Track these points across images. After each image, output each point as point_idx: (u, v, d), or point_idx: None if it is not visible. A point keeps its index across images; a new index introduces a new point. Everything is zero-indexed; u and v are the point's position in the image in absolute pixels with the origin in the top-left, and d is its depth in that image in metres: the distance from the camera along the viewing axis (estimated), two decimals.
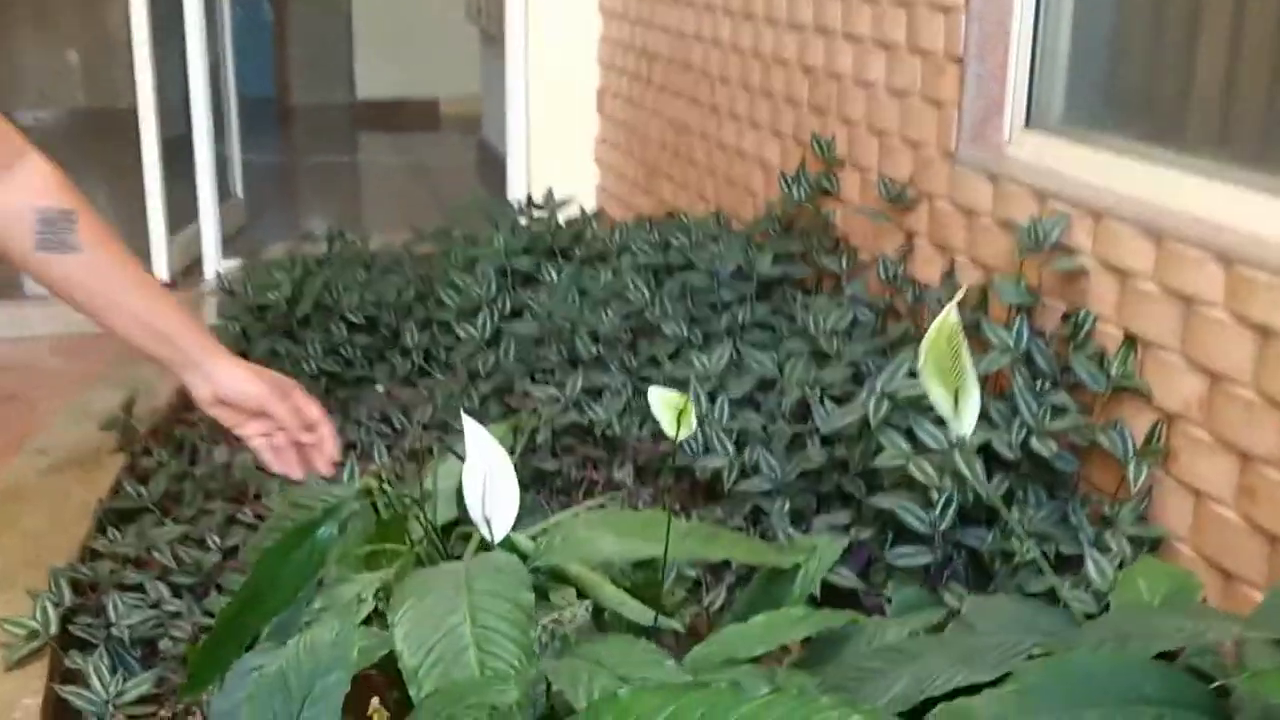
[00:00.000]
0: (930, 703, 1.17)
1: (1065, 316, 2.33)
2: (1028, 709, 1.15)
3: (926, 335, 1.27)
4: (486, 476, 1.68)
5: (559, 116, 5.03)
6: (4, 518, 2.42)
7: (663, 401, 1.33)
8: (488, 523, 1.66)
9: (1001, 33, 2.60)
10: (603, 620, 1.77)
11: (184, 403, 3.14)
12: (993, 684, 1.18)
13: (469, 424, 1.71)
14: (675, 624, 1.84)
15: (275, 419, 1.65)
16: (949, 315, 1.28)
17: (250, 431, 1.67)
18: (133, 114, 4.78)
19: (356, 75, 8.58)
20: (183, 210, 4.87)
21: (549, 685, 1.40)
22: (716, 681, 1.14)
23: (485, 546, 1.76)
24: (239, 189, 5.54)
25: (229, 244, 5.01)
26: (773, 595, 1.74)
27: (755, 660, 1.54)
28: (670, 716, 1.15)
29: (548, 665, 1.36)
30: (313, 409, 1.70)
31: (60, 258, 1.52)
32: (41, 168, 1.54)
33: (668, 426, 1.33)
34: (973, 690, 1.18)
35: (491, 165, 6.41)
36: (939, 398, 1.29)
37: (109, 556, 2.35)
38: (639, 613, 1.79)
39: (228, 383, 1.61)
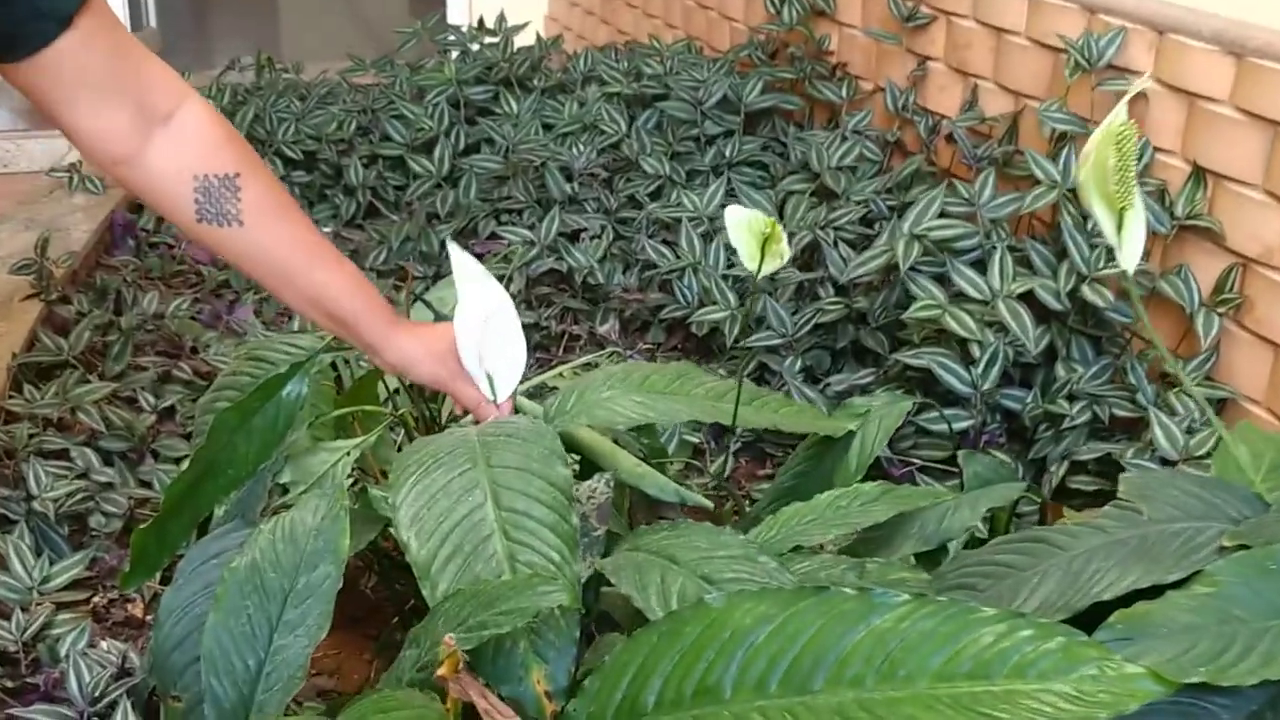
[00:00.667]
0: (1099, 609, 0.92)
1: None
2: (1228, 615, 0.90)
3: (1091, 140, 1.00)
4: (487, 319, 1.39)
5: None
6: None
7: (744, 224, 1.04)
8: (490, 379, 1.38)
9: None
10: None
11: (105, 244, 2.80)
12: (1175, 585, 0.93)
13: (459, 257, 1.41)
14: (701, 499, 1.59)
15: (462, 404, 1.36)
16: (1118, 116, 1.00)
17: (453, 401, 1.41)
18: None
19: None
20: None
21: (598, 586, 1.13)
22: (836, 587, 0.88)
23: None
24: (153, 19, 5.09)
25: None
26: (825, 468, 1.49)
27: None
28: (778, 630, 0.89)
29: (604, 561, 1.10)
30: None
31: (225, 231, 1.26)
32: (202, 120, 1.25)
33: (748, 257, 1.05)
34: (1151, 594, 0.93)
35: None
36: (1102, 217, 1.02)
37: (26, 418, 2.03)
38: (660, 487, 1.53)
39: (411, 373, 1.38)
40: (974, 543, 1.47)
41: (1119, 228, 1.02)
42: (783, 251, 1.03)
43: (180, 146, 1.25)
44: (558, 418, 1.39)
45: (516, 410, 1.39)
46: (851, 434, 1.49)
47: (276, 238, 1.31)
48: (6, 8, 1.12)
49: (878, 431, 1.46)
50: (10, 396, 2.10)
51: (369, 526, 1.35)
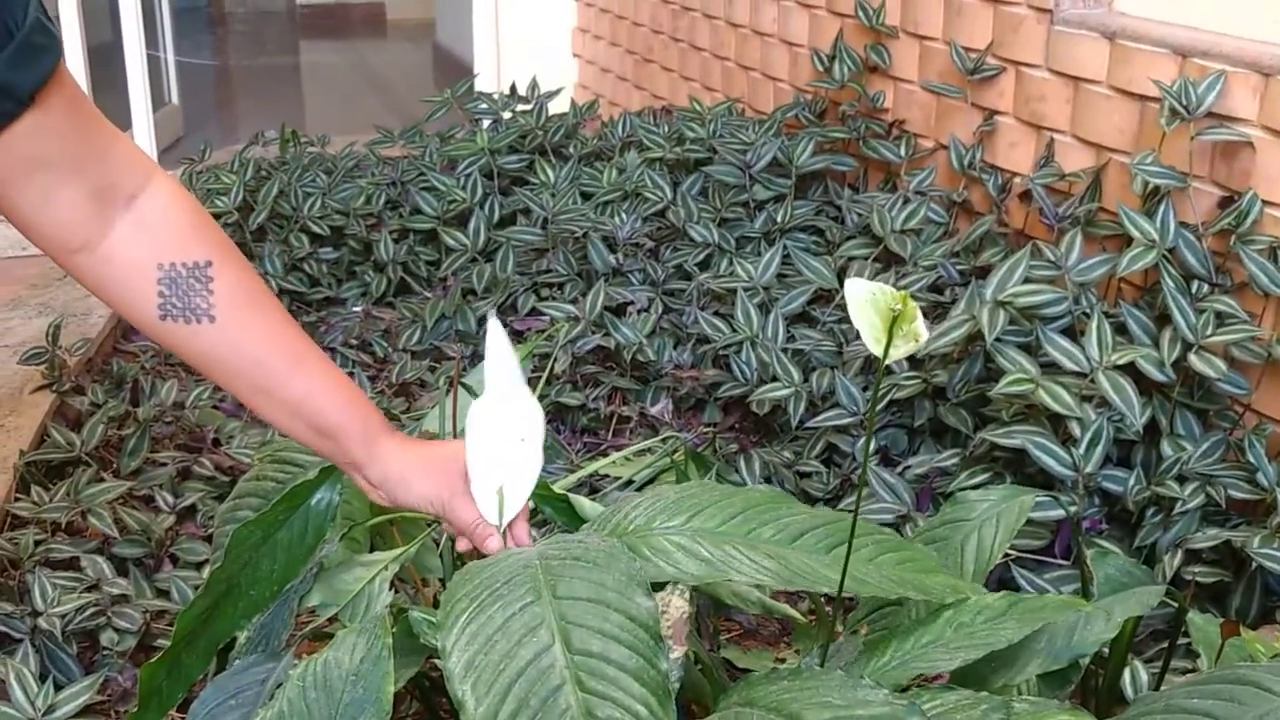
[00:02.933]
0: None
1: (1223, 202, 1.88)
2: None
3: None
4: (523, 439, 1.18)
5: (529, 8, 4.51)
6: None
7: (869, 301, 0.86)
8: (499, 493, 1.16)
9: None
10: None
11: (122, 330, 2.65)
12: None
13: (494, 333, 1.21)
14: (789, 610, 1.40)
15: (457, 528, 1.16)
16: None
17: (446, 528, 1.19)
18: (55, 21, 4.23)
19: None
20: (114, 120, 4.32)
21: None
22: None
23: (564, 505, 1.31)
24: (175, 96, 4.98)
25: (166, 155, 4.48)
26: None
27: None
28: None
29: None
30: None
31: (192, 329, 1.08)
32: (169, 203, 1.08)
33: (874, 340, 0.86)
34: None
35: (449, 69, 5.89)
36: None
37: (34, 523, 1.87)
38: (740, 594, 1.35)
39: (399, 491, 1.16)
40: (1097, 657, 1.28)
41: None
42: (917, 332, 0.85)
43: (144, 232, 1.07)
44: (623, 536, 1.19)
45: (545, 519, 1.21)
46: (967, 534, 1.30)
47: (252, 335, 1.11)
48: None
49: (998, 532, 1.27)
50: (17, 498, 1.93)
51: (411, 659, 1.16)
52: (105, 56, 4.40)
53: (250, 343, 1.11)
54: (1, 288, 3.27)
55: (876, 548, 1.18)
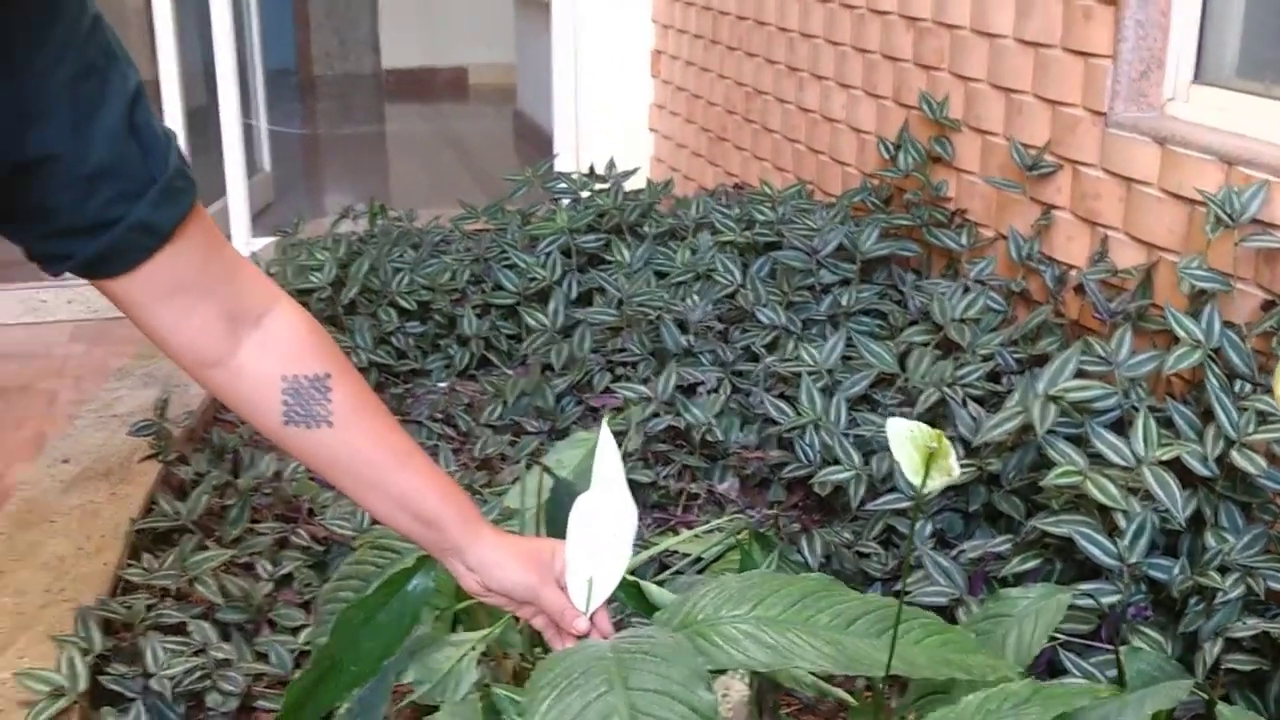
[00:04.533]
0: None
1: (1267, 305, 1.98)
2: None
3: None
4: (616, 534, 1.32)
5: (609, 81, 4.68)
6: (25, 545, 2.09)
7: (908, 438, 0.98)
8: (588, 583, 1.30)
9: None
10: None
11: (220, 402, 2.81)
12: None
13: (605, 443, 1.35)
14: (842, 694, 1.51)
15: (546, 612, 1.30)
16: None
17: (526, 615, 1.33)
18: (149, 86, 4.46)
19: (382, 44, 8.22)
20: (209, 185, 4.54)
21: None
22: None
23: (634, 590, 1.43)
24: (267, 163, 5.20)
25: (258, 220, 4.69)
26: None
27: None
28: None
29: None
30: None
31: (311, 433, 1.21)
32: (292, 323, 1.22)
33: (913, 471, 0.99)
34: None
35: (529, 137, 6.08)
36: None
37: (144, 589, 2.02)
38: (796, 678, 1.46)
39: (495, 575, 1.29)
40: None
41: None
42: (950, 468, 0.97)
43: (270, 349, 1.21)
44: (687, 628, 1.31)
45: (615, 600, 1.33)
46: (1008, 629, 1.40)
47: (366, 438, 1.24)
48: (109, 230, 1.09)
49: (1036, 627, 1.37)
50: (129, 565, 2.08)
51: None
52: (200, 122, 4.62)
53: (363, 445, 1.24)
54: (104, 350, 3.47)
55: (922, 630, 1.30)
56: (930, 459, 0.98)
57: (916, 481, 0.99)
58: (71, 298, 4.08)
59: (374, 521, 1.91)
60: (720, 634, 1.25)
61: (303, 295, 3.10)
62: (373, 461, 1.25)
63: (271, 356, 1.21)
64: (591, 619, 1.28)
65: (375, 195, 3.85)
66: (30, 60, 1.00)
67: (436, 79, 8.10)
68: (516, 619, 1.55)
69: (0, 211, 1.06)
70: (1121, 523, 1.85)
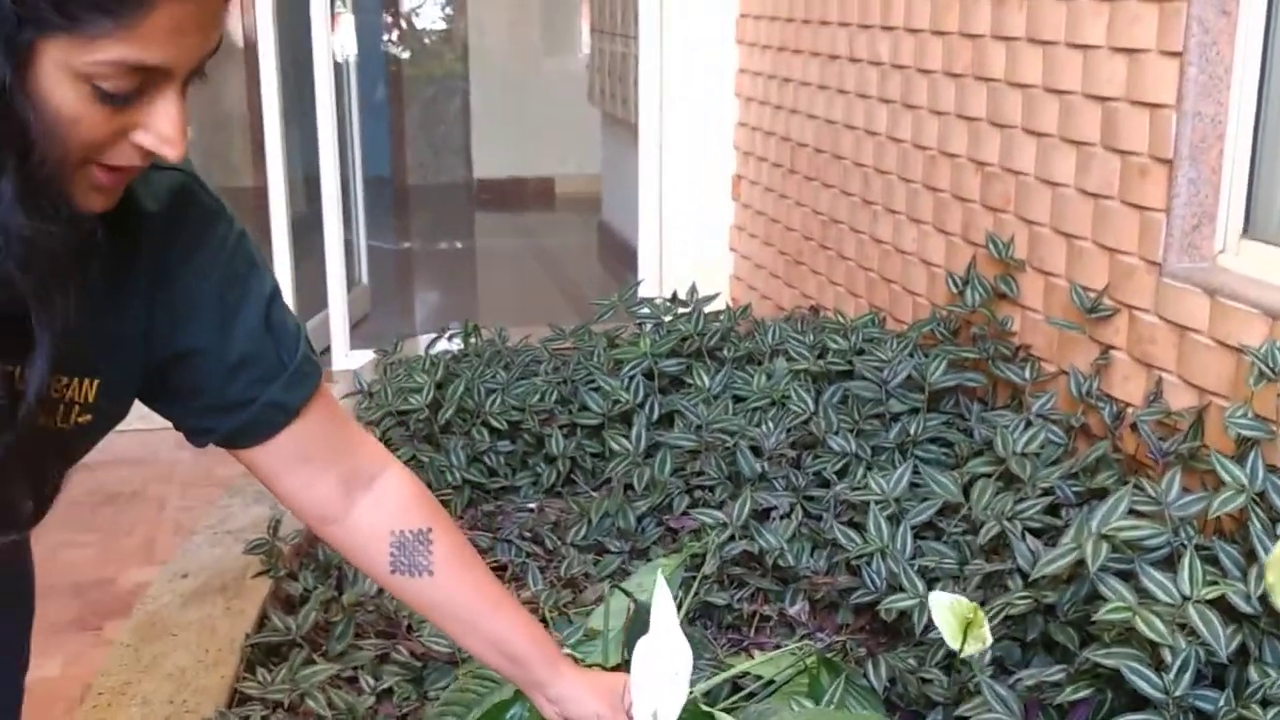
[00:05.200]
0: None
1: None
2: None
3: (1274, 552, 1.07)
4: (676, 674, 1.47)
5: (692, 203, 4.89)
6: (149, 657, 2.28)
7: (948, 608, 1.13)
8: (653, 717, 1.45)
9: (1217, 132, 2.39)
10: None
11: None
12: None
13: (661, 593, 1.51)
14: None
15: None
16: None
17: None
18: (250, 193, 4.73)
19: (473, 155, 8.53)
20: (311, 297, 4.79)
21: None
22: None
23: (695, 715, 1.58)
24: (365, 275, 5.46)
25: (355, 331, 4.93)
26: None
27: None
28: None
29: None
30: None
31: (415, 581, 1.39)
32: (400, 484, 1.40)
33: (951, 638, 1.13)
34: None
35: (614, 249, 6.30)
36: None
37: (259, 701, 2.19)
38: None
39: (573, 708, 1.45)
40: None
41: None
42: (985, 636, 1.12)
43: (380, 508, 1.37)
44: None
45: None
46: None
47: (463, 586, 1.40)
48: (246, 409, 1.28)
49: None
50: (244, 677, 2.26)
51: None
52: (301, 232, 4.87)
53: (460, 592, 1.41)
54: (210, 457, 3.67)
55: None
56: (967, 627, 1.13)
57: (955, 647, 1.14)
58: None
59: None
60: None
61: (402, 415, 3.31)
62: (469, 607, 1.41)
63: (381, 514, 1.38)
64: None
65: (465, 309, 4.07)
66: (185, 273, 1.19)
67: (525, 189, 8.38)
68: None
69: (155, 392, 1.25)
70: (1168, 657, 1.96)
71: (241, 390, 1.25)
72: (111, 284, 1.15)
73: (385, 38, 8.70)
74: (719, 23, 4.72)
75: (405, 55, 8.85)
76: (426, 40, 8.95)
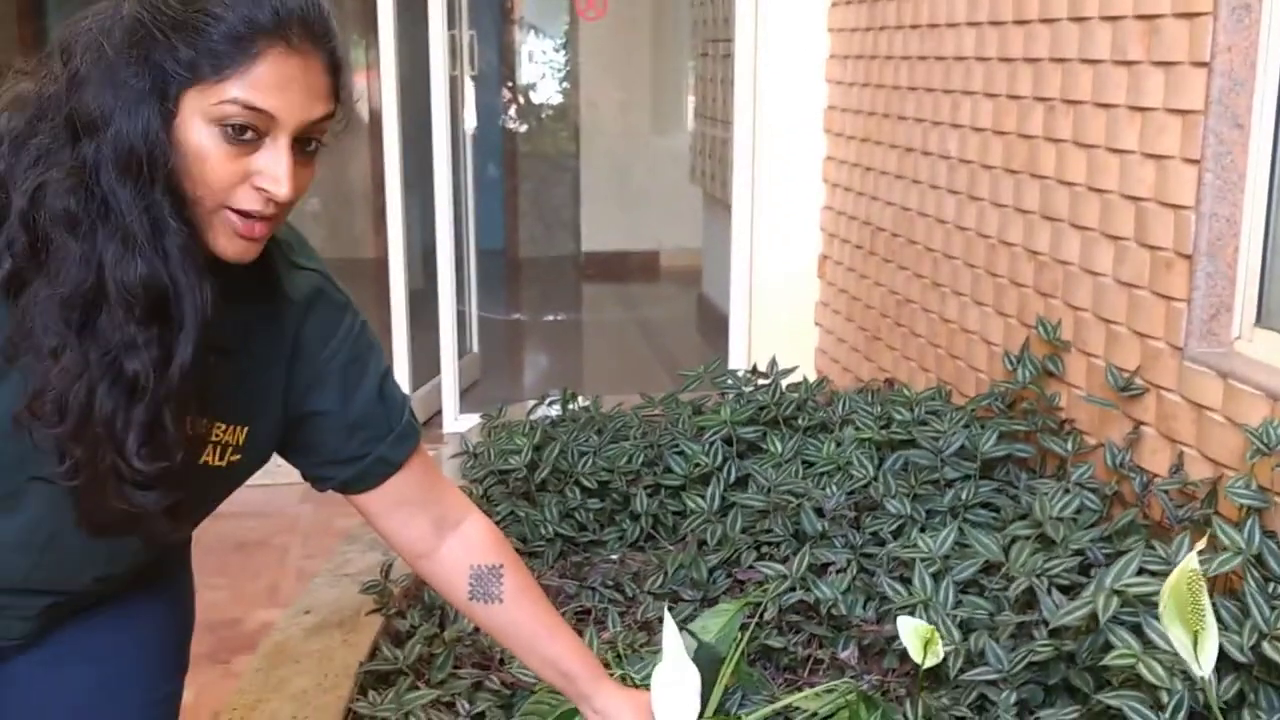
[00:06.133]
0: None
1: None
2: None
3: (1169, 581, 1.35)
4: (671, 683, 1.77)
5: (780, 279, 5.20)
6: (275, 680, 2.63)
7: (912, 631, 1.43)
8: None
9: (1232, 231, 2.65)
10: None
11: None
12: None
13: (669, 630, 1.81)
14: None
15: None
16: (1190, 563, 1.35)
17: None
18: (371, 264, 5.11)
19: (582, 229, 8.94)
20: (425, 365, 5.17)
21: None
22: None
23: None
24: (475, 344, 5.83)
25: (465, 396, 5.29)
26: None
27: None
28: None
29: None
30: None
31: (488, 607, 1.70)
32: (479, 527, 1.72)
33: (915, 652, 1.42)
34: None
35: (711, 320, 6.62)
36: (1178, 640, 1.36)
37: (370, 719, 2.52)
38: None
39: (612, 716, 1.74)
40: None
41: (1195, 645, 1.36)
42: (938, 652, 1.41)
43: (462, 546, 1.69)
44: None
45: None
46: None
47: (528, 614, 1.71)
48: (359, 462, 1.60)
49: None
50: (357, 699, 2.60)
51: None
52: (419, 305, 5.27)
53: (524, 619, 1.73)
54: (329, 510, 4.06)
55: None
56: (927, 644, 1.42)
57: (918, 659, 1.43)
58: None
59: None
60: None
61: (503, 474, 3.65)
62: (531, 631, 1.73)
63: (463, 552, 1.71)
64: None
65: (568, 377, 4.42)
66: (318, 352, 1.54)
67: (630, 261, 8.75)
68: None
69: (289, 444, 1.59)
70: (1164, 699, 2.21)
71: (356, 447, 1.59)
72: (262, 355, 1.50)
73: (502, 113, 9.18)
74: (808, 114, 5.05)
75: (521, 130, 9.31)
76: (541, 117, 9.42)
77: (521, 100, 9.32)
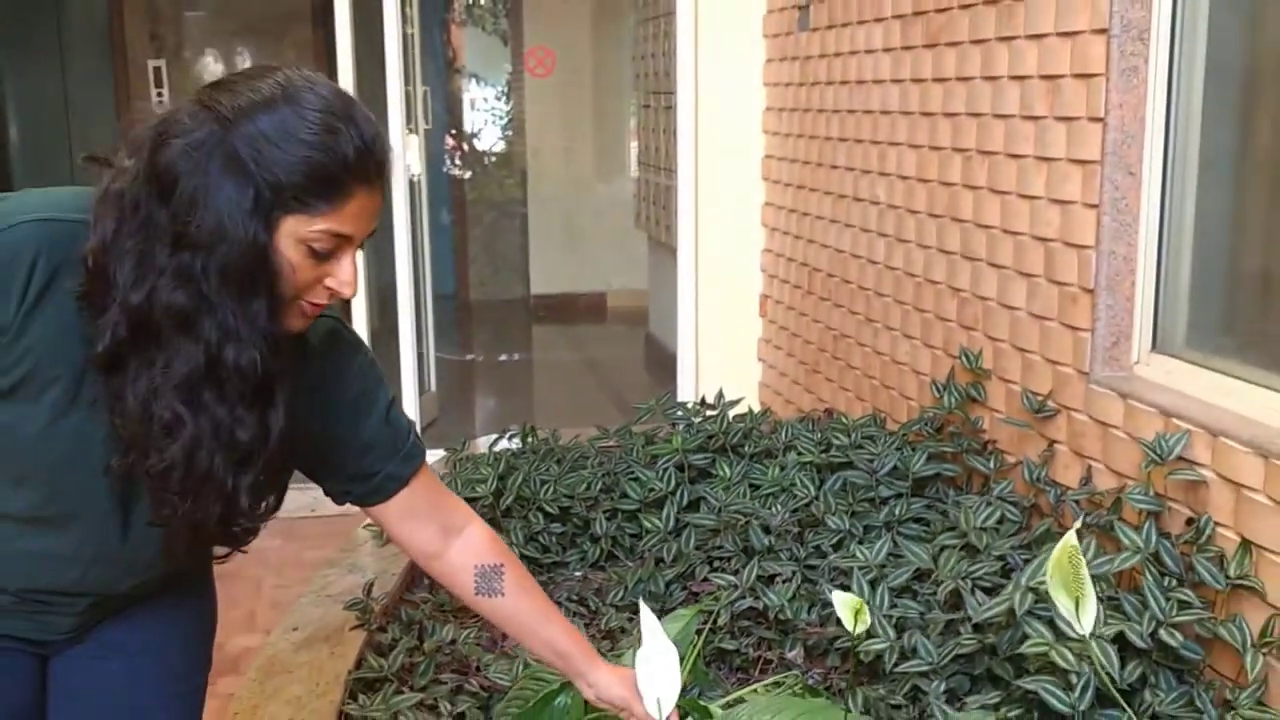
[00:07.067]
0: None
1: (1189, 521, 2.65)
2: None
3: (1052, 555, 1.63)
4: (652, 658, 2.03)
5: (724, 318, 5.51)
6: (271, 688, 2.86)
7: (843, 602, 1.71)
8: (657, 701, 2.01)
9: (1129, 268, 2.97)
10: None
11: (408, 584, 3.60)
12: None
13: (645, 614, 2.07)
14: None
15: (632, 716, 1.99)
16: (1069, 540, 1.63)
17: (626, 716, 2.00)
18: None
19: (531, 272, 9.22)
20: None
21: None
22: None
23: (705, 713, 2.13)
24: (433, 383, 6.09)
25: (425, 433, 5.54)
26: None
27: None
28: None
29: None
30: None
31: (491, 601, 1.96)
32: (480, 532, 1.97)
33: (847, 621, 1.70)
34: None
35: (658, 358, 6.92)
36: (1062, 604, 1.65)
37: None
38: None
39: (604, 691, 1.98)
40: None
41: (1077, 608, 1.65)
42: (866, 619, 1.69)
43: (468, 549, 1.94)
44: None
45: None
46: None
47: (527, 605, 1.97)
48: (372, 479, 1.86)
49: None
50: (348, 703, 2.84)
51: None
52: (379, 343, 5.52)
53: (524, 608, 1.99)
54: (298, 544, 4.30)
55: None
56: (857, 614, 1.70)
57: (850, 628, 1.71)
58: None
59: (526, 665, 2.65)
60: None
61: (471, 502, 3.90)
62: (530, 618, 1.99)
63: (467, 553, 1.96)
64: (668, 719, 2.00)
65: (522, 413, 4.68)
66: (332, 389, 1.80)
67: (578, 303, 9.05)
68: None
69: (311, 463, 1.84)
70: (1074, 681, 2.50)
71: (369, 465, 1.86)
72: (296, 388, 1.76)
73: (447, 161, 9.46)
74: (747, 162, 5.38)
75: (466, 177, 9.59)
76: (485, 164, 9.71)
77: (466, 148, 9.61)
